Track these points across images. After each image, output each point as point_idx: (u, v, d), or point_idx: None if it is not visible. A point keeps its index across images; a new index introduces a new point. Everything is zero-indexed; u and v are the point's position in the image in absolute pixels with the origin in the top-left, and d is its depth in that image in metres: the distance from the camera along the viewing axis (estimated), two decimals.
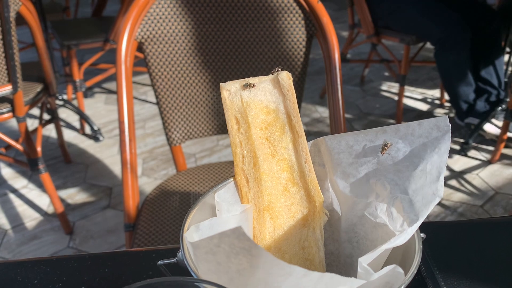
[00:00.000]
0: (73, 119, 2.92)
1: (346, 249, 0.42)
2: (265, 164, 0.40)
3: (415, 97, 3.14)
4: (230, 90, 0.40)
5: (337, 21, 4.50)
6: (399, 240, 0.33)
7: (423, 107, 3.00)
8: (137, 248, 0.56)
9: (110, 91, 3.32)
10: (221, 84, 0.40)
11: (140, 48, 1.22)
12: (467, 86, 2.50)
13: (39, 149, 1.93)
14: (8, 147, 2.08)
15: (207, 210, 0.41)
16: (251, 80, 0.41)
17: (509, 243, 0.53)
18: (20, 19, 1.77)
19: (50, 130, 2.78)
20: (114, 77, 3.38)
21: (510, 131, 2.36)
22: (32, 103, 1.90)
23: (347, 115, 2.91)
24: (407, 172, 0.35)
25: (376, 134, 0.38)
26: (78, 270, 0.52)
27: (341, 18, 4.48)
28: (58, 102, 2.77)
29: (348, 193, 0.40)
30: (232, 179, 0.41)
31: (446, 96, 3.01)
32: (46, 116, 2.58)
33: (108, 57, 3.23)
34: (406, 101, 3.07)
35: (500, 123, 2.46)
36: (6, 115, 1.81)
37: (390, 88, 3.31)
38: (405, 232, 0.33)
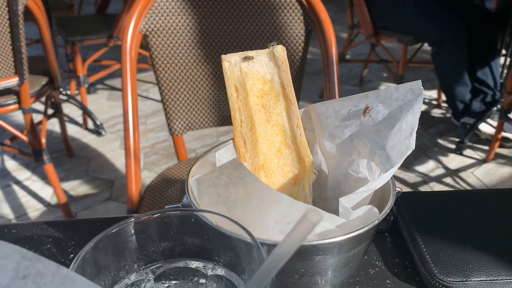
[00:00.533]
0: (76, 114, 2.97)
1: (332, 206, 0.46)
2: (261, 128, 0.44)
3: None
4: (231, 62, 0.44)
5: (337, 23, 4.56)
6: (376, 183, 0.38)
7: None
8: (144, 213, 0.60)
9: (112, 88, 3.36)
10: (222, 56, 0.45)
11: (142, 44, 1.26)
12: (463, 87, 2.55)
13: (43, 140, 1.98)
14: (13, 138, 2.13)
15: (208, 166, 0.45)
16: (250, 53, 0.45)
17: (488, 212, 0.57)
18: (25, 16, 1.81)
19: (53, 125, 2.82)
20: (117, 74, 3.43)
21: (504, 131, 2.40)
22: (37, 96, 1.94)
23: None
24: (385, 131, 0.40)
25: (359, 99, 0.42)
26: (89, 231, 0.57)
27: (341, 20, 4.53)
28: (61, 97, 2.82)
29: (334, 152, 0.45)
30: (231, 141, 0.46)
31: (443, 97, 3.05)
32: (49, 111, 2.63)
33: (111, 54, 3.28)
34: None
35: (495, 123, 2.50)
36: (12, 107, 1.86)
37: None
38: (381, 178, 0.38)
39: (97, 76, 2.99)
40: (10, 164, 2.42)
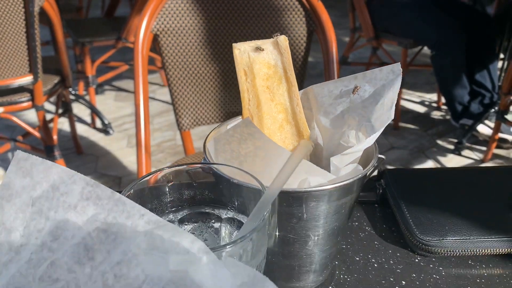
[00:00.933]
0: (84, 113, 3.05)
1: None
2: (266, 106, 0.52)
3: (413, 100, 3.26)
4: (240, 49, 0.52)
5: (340, 27, 4.63)
6: (362, 145, 0.45)
7: (421, 109, 3.12)
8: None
9: (119, 89, 3.44)
10: (233, 44, 0.52)
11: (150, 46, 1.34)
12: (462, 89, 2.62)
13: (55, 137, 2.06)
14: (25, 135, 2.21)
15: None
16: (258, 42, 0.53)
17: (463, 186, 0.65)
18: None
19: (62, 124, 2.90)
20: (124, 75, 3.51)
21: (501, 132, 2.46)
22: (50, 94, 2.02)
23: None
24: (371, 107, 0.47)
25: (349, 80, 0.50)
26: None
27: (343, 24, 4.61)
28: (71, 97, 2.90)
29: (328, 126, 0.52)
30: (240, 117, 0.53)
31: (443, 100, 3.12)
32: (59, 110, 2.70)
33: (118, 56, 3.37)
34: (405, 104, 3.18)
35: (493, 124, 2.56)
36: (25, 104, 1.94)
37: None
38: (366, 141, 0.45)
39: (105, 77, 3.07)
40: None
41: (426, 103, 3.22)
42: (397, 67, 0.46)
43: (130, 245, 0.30)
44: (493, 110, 2.55)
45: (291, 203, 0.42)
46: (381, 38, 2.73)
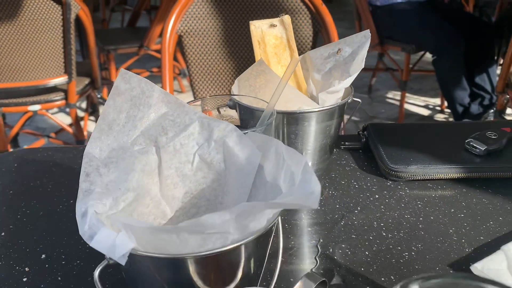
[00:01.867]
0: None
1: None
2: (274, 67, 0.70)
3: (418, 104, 3.41)
4: (255, 25, 0.71)
5: None
6: (342, 84, 0.63)
7: (425, 112, 3.27)
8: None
9: None
10: (250, 21, 0.71)
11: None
12: (462, 91, 2.77)
13: (85, 132, 2.26)
14: (57, 132, 2.42)
15: None
16: (270, 21, 0.72)
17: (428, 131, 0.82)
18: None
19: (89, 126, 3.11)
20: None
21: None
22: (81, 93, 2.23)
23: (354, 118, 3.19)
24: (350, 63, 0.65)
25: (335, 45, 0.68)
26: None
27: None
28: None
29: (320, 80, 0.70)
30: None
31: (446, 103, 3.27)
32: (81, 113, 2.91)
33: (139, 64, 3.58)
34: (410, 108, 3.34)
35: None
36: (59, 102, 2.15)
37: (394, 96, 3.60)
38: (344, 82, 0.63)
39: None
40: None
41: (430, 106, 3.37)
42: (367, 33, 0.64)
43: (189, 127, 0.48)
44: (492, 110, 2.70)
45: (290, 122, 0.60)
46: (385, 44, 2.91)
